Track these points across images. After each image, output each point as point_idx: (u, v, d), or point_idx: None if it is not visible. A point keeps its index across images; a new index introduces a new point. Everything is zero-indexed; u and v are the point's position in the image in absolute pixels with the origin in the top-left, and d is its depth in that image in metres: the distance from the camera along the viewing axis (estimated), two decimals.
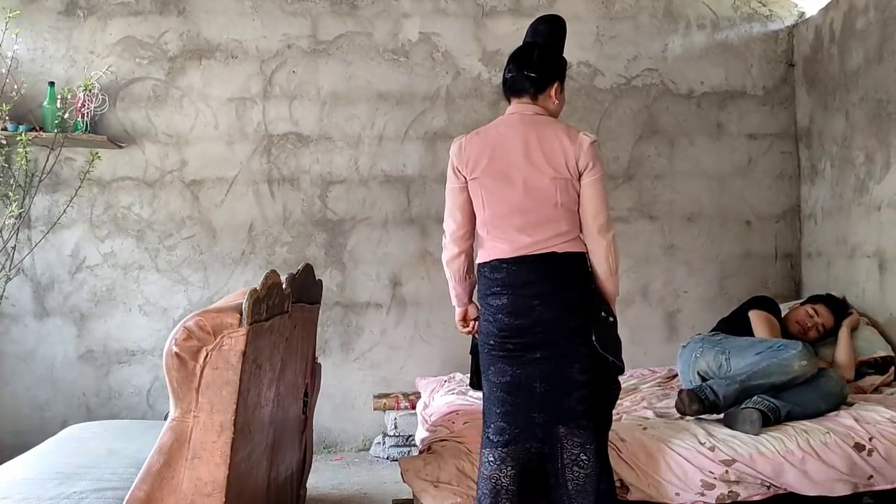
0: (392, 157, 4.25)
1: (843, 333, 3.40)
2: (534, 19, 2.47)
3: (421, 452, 2.91)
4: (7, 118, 3.77)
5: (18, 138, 3.72)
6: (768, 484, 2.56)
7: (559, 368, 2.24)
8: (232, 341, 1.90)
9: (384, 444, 4.02)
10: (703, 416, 2.80)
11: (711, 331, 3.37)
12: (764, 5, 4.44)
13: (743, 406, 2.74)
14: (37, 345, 4.04)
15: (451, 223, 2.38)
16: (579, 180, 2.27)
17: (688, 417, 2.81)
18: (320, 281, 3.03)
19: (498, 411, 2.28)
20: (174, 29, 4.15)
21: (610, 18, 4.37)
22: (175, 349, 1.88)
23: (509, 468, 2.24)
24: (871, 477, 2.61)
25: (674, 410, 2.91)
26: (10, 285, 3.89)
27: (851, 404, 2.92)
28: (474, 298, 2.46)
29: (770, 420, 2.70)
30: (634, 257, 4.33)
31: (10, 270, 3.87)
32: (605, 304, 2.32)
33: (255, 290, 2.00)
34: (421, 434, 3.12)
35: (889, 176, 3.61)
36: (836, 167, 4.07)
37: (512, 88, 2.36)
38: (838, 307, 3.53)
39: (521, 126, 2.31)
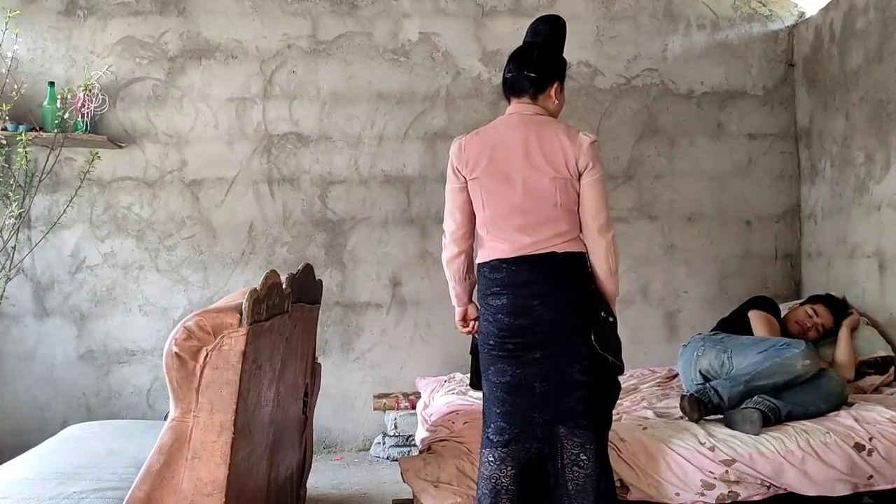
0: (392, 157, 4.25)
1: (843, 333, 3.40)
2: (534, 19, 2.47)
3: (421, 452, 2.91)
4: (7, 118, 3.77)
5: (18, 138, 3.72)
6: (768, 484, 2.56)
7: (559, 368, 2.24)
8: (232, 341, 1.90)
9: (384, 444, 4.02)
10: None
11: (712, 330, 3.37)
12: (764, 5, 4.44)
13: (743, 406, 2.75)
14: (37, 345, 4.04)
15: (451, 223, 2.38)
16: (579, 180, 2.27)
17: None
18: (320, 281, 3.03)
19: (498, 411, 2.28)
20: (174, 29, 4.15)
21: (610, 18, 4.38)
22: (175, 349, 1.88)
23: (509, 468, 2.24)
24: (871, 477, 2.61)
25: (673, 410, 2.91)
26: (10, 285, 3.89)
27: (851, 404, 2.92)
28: (474, 298, 2.46)
29: (770, 420, 2.70)
30: (634, 257, 4.33)
31: (10, 270, 3.87)
32: (605, 304, 2.32)
33: (255, 290, 2.00)
34: (421, 434, 3.12)
35: (889, 176, 3.61)
36: (836, 167, 4.07)
37: (512, 88, 2.36)
38: (838, 307, 3.53)
39: (521, 126, 2.31)
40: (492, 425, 2.29)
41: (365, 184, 4.24)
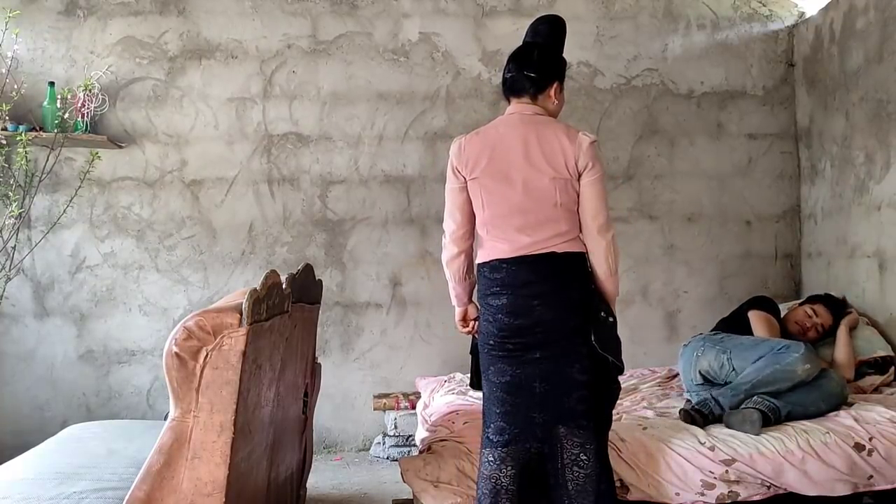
0: (392, 157, 4.25)
1: (842, 333, 3.40)
2: (534, 19, 2.47)
3: (421, 452, 2.91)
4: (7, 118, 3.77)
5: (18, 138, 3.72)
6: (768, 484, 2.56)
7: (559, 368, 2.24)
8: (232, 341, 1.90)
9: (384, 444, 4.02)
10: None
11: (712, 330, 3.37)
12: (764, 5, 4.44)
13: (743, 406, 2.75)
14: (37, 345, 4.04)
15: (451, 223, 2.38)
16: (579, 180, 2.27)
17: None
18: (320, 281, 3.03)
19: (498, 411, 2.28)
20: (174, 29, 4.15)
21: (610, 18, 4.37)
22: (175, 349, 1.88)
23: (509, 468, 2.25)
24: (871, 477, 2.61)
25: (673, 410, 2.91)
26: (10, 285, 3.89)
27: (851, 404, 2.92)
28: (474, 298, 2.46)
29: (770, 420, 2.70)
30: (634, 257, 4.33)
31: (10, 270, 3.87)
32: (605, 304, 2.32)
33: (255, 290, 2.00)
34: (421, 434, 3.12)
35: (889, 176, 3.61)
36: (836, 167, 4.07)
37: (512, 88, 2.36)
38: (837, 307, 3.53)
39: (521, 126, 2.31)
40: (492, 425, 2.29)
41: (365, 184, 4.24)
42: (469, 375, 2.51)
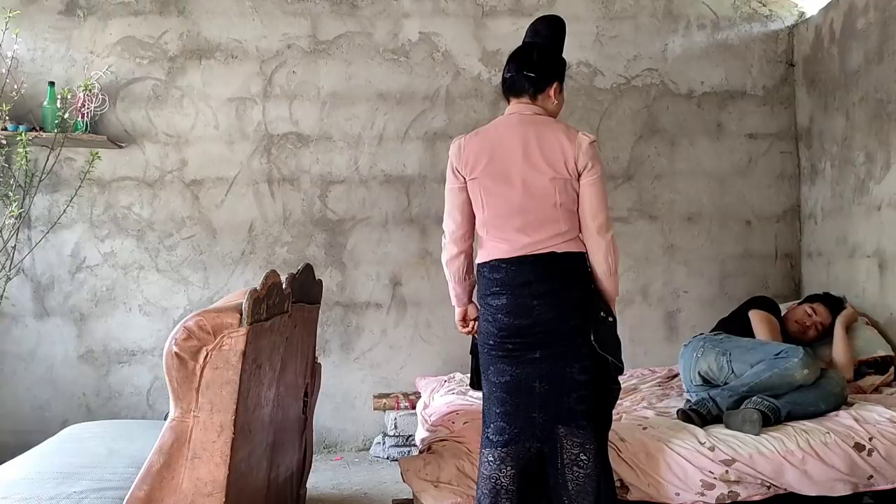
0: (392, 157, 4.25)
1: (838, 332, 3.39)
2: (534, 19, 2.47)
3: (421, 452, 2.92)
4: (7, 118, 3.77)
5: (18, 138, 3.72)
6: (768, 484, 2.56)
7: (559, 368, 2.24)
8: (232, 341, 1.90)
9: (384, 444, 4.02)
10: None
11: (712, 330, 3.37)
12: (764, 5, 4.44)
13: (743, 406, 2.75)
14: (37, 345, 4.04)
15: (451, 223, 2.38)
16: (578, 180, 2.27)
17: None
18: (320, 281, 3.03)
19: (498, 411, 2.28)
20: (174, 29, 4.15)
21: (610, 18, 4.37)
22: (175, 349, 1.88)
23: (509, 468, 2.25)
24: (871, 477, 2.61)
25: (674, 410, 2.91)
26: (10, 285, 3.89)
27: (851, 404, 2.92)
28: (474, 298, 2.46)
29: (770, 420, 2.70)
30: (634, 257, 4.33)
31: (10, 270, 3.87)
32: (605, 304, 2.32)
33: (255, 290, 2.00)
34: (421, 434, 3.12)
35: (889, 176, 3.61)
36: (836, 167, 4.07)
37: (511, 88, 2.36)
38: (837, 306, 3.53)
39: (521, 126, 2.31)
40: (491, 425, 2.29)
41: (365, 184, 4.24)
42: (469, 375, 2.51)
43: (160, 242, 4.12)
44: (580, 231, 2.30)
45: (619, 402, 2.69)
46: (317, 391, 3.15)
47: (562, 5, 4.27)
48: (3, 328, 4.01)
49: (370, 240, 4.23)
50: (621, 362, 2.33)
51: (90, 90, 3.91)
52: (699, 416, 2.75)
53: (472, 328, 2.48)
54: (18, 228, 3.91)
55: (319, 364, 3.18)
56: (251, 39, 4.19)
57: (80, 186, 4.00)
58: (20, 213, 3.85)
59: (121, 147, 4.07)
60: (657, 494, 2.52)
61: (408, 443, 3.95)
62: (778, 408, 2.74)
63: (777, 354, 2.91)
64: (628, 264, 4.28)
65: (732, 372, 3.00)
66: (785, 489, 2.58)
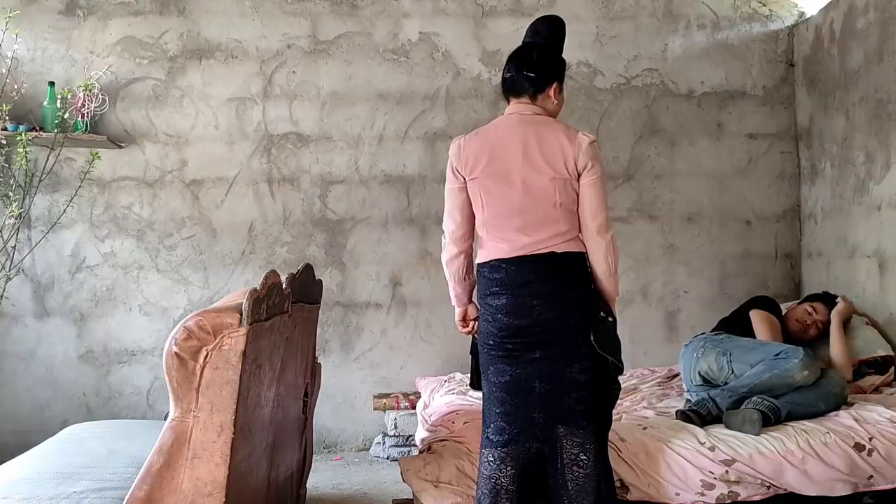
0: (392, 157, 4.25)
1: (834, 330, 3.38)
2: (534, 19, 2.47)
3: (421, 452, 2.92)
4: (7, 118, 3.77)
5: (18, 138, 3.72)
6: (768, 484, 2.56)
7: (559, 368, 2.24)
8: (232, 341, 1.90)
9: (384, 444, 4.02)
10: None
11: (713, 330, 3.37)
12: (764, 5, 4.44)
13: (743, 406, 2.75)
14: (37, 345, 4.04)
15: (451, 223, 2.38)
16: (578, 180, 2.27)
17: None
18: (320, 281, 3.03)
19: (497, 411, 2.28)
20: (174, 29, 4.15)
21: (610, 18, 4.37)
22: (175, 349, 1.88)
23: (509, 468, 2.25)
24: (871, 477, 2.61)
25: (673, 410, 2.91)
26: (10, 285, 3.89)
27: (851, 404, 2.92)
28: (474, 298, 2.45)
29: (770, 420, 2.70)
30: (634, 257, 4.33)
31: (10, 270, 3.87)
32: (605, 304, 2.32)
33: (255, 290, 2.00)
34: (421, 434, 3.12)
35: (889, 176, 3.61)
36: (836, 167, 4.07)
37: (511, 88, 2.36)
38: (835, 304, 3.53)
39: (520, 126, 2.31)
40: (491, 425, 2.29)
41: (365, 184, 4.24)
42: (469, 375, 2.51)
43: (160, 242, 4.13)
44: (580, 231, 2.30)
45: (619, 402, 2.69)
46: (317, 391, 3.15)
47: (562, 5, 4.27)
48: (3, 328, 4.01)
49: (370, 240, 4.23)
50: (621, 362, 2.33)
51: (90, 90, 3.91)
52: (699, 416, 2.75)
53: (472, 328, 2.48)
54: (18, 228, 3.91)
55: (319, 364, 3.18)
56: (251, 39, 4.19)
57: (80, 186, 4.00)
58: (20, 213, 3.85)
59: (121, 147, 4.07)
60: (657, 494, 2.52)
61: (408, 443, 3.95)
62: (778, 408, 2.74)
63: (777, 355, 2.91)
64: (628, 264, 4.28)
65: (732, 372, 3.00)
66: (785, 489, 2.58)
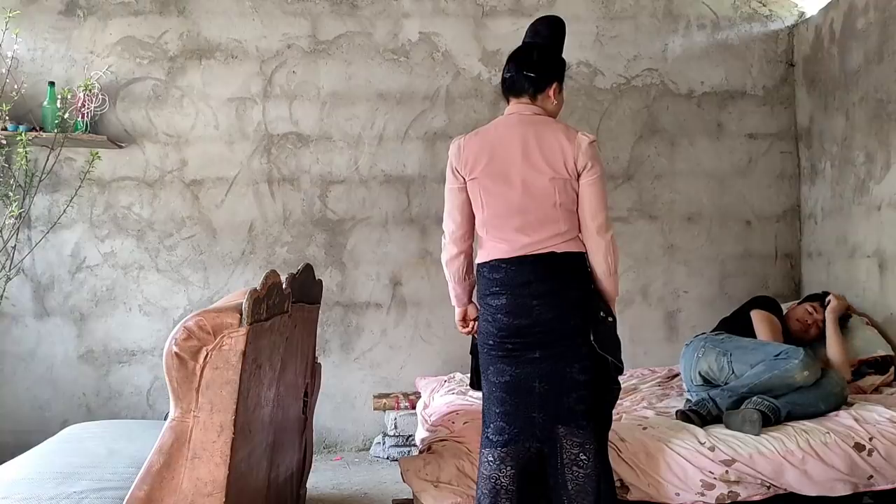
0: (392, 157, 4.25)
1: (830, 329, 3.37)
2: (534, 19, 2.47)
3: (421, 452, 2.92)
4: (7, 118, 3.77)
5: (18, 138, 3.72)
6: (768, 484, 2.56)
7: (558, 368, 2.24)
8: (232, 341, 1.90)
9: (384, 444, 4.02)
10: None
11: (713, 330, 3.37)
12: (764, 5, 4.44)
13: (743, 406, 2.75)
14: (37, 345, 4.04)
15: (450, 223, 2.38)
16: (578, 180, 2.27)
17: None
18: (320, 281, 3.03)
19: (497, 411, 2.28)
20: (174, 29, 4.15)
21: (610, 18, 4.37)
22: (175, 349, 1.88)
23: (509, 468, 2.25)
24: (871, 477, 2.61)
25: (674, 410, 2.91)
26: (10, 285, 3.89)
27: (851, 404, 2.92)
28: (474, 298, 2.45)
29: (770, 420, 2.70)
30: (634, 257, 4.33)
31: (10, 270, 3.87)
32: (605, 304, 2.32)
33: (255, 290, 2.00)
34: (421, 434, 3.12)
35: (889, 176, 3.61)
36: (836, 167, 4.07)
37: (511, 88, 2.36)
38: (827, 303, 3.53)
39: (520, 126, 2.31)
40: (491, 425, 2.29)
41: (365, 184, 4.24)
42: (469, 375, 2.51)
43: (160, 242, 4.13)
44: (580, 231, 2.30)
45: (619, 402, 2.69)
46: (317, 391, 3.15)
47: (562, 5, 4.27)
48: (3, 328, 4.01)
49: (370, 240, 4.23)
50: (621, 362, 2.33)
51: (90, 90, 3.91)
52: (699, 416, 2.75)
53: (472, 328, 2.48)
54: (18, 228, 3.91)
55: (319, 364, 3.18)
56: (251, 39, 4.19)
57: (80, 186, 4.00)
58: (20, 213, 3.85)
59: (121, 147, 4.07)
60: (657, 494, 2.52)
61: (408, 443, 3.95)
62: (778, 408, 2.74)
63: (777, 356, 2.91)
64: (628, 264, 4.28)
65: (733, 372, 3.00)
66: (785, 489, 2.58)
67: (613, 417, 2.41)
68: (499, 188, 2.28)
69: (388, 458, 3.96)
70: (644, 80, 4.39)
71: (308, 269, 2.77)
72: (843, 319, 3.52)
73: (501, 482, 2.24)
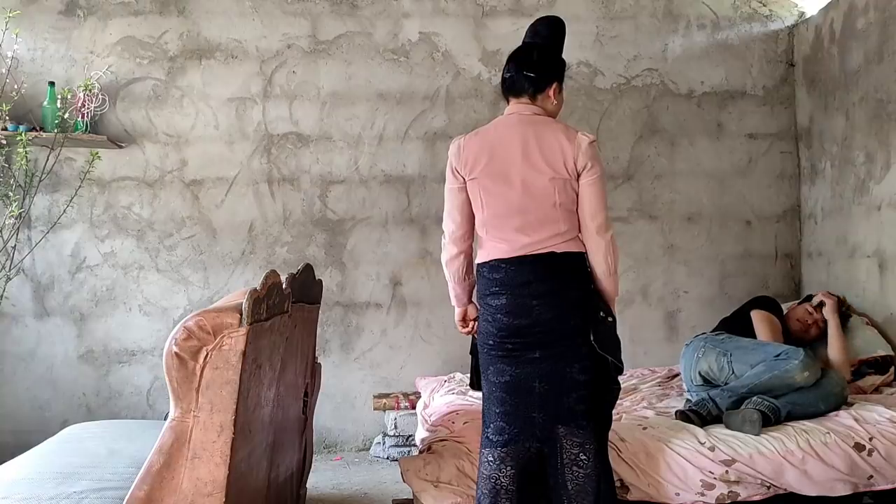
0: (392, 157, 4.25)
1: (833, 330, 3.37)
2: (534, 20, 2.47)
3: (421, 452, 2.92)
4: (7, 118, 3.77)
5: (18, 138, 3.72)
6: (768, 484, 2.56)
7: (558, 368, 2.24)
8: (232, 341, 1.90)
9: (384, 444, 4.02)
10: None
11: (714, 330, 3.37)
12: (764, 5, 4.44)
13: (743, 406, 2.75)
14: (37, 345, 4.04)
15: (450, 223, 2.38)
16: (578, 180, 2.27)
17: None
18: (320, 281, 3.03)
19: (497, 411, 2.28)
20: (174, 29, 4.15)
21: (610, 18, 4.37)
22: (175, 349, 1.88)
23: (509, 468, 2.25)
24: (871, 477, 2.61)
25: (673, 410, 2.91)
26: (10, 285, 3.89)
27: (851, 404, 2.92)
28: (474, 298, 2.45)
29: (770, 420, 2.70)
30: (634, 257, 4.33)
31: (10, 270, 3.87)
32: (605, 304, 2.32)
33: (255, 289, 2.00)
34: (421, 434, 3.12)
35: (889, 176, 3.61)
36: (836, 167, 4.07)
37: (511, 88, 2.36)
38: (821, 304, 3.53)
39: (520, 126, 2.31)
40: (491, 425, 2.29)
41: (365, 184, 4.24)
42: (469, 375, 2.51)
43: (160, 242, 4.13)
44: (580, 231, 2.30)
45: (619, 402, 2.69)
46: (317, 391, 3.15)
47: (562, 5, 4.27)
48: (3, 328, 4.01)
49: (370, 240, 4.23)
50: (621, 362, 2.33)
51: (90, 90, 3.91)
52: (698, 416, 2.75)
53: (472, 328, 2.48)
54: (18, 228, 3.91)
55: (319, 364, 3.18)
56: (251, 39, 4.19)
57: (80, 186, 4.00)
58: (20, 213, 3.85)
59: (121, 147, 4.07)
60: (657, 494, 2.52)
61: (408, 443, 3.95)
62: (778, 408, 2.74)
63: (777, 356, 2.91)
64: (628, 264, 4.28)
65: (733, 372, 3.00)
66: (785, 489, 2.58)
67: (613, 417, 2.41)
68: (499, 188, 2.28)
69: (388, 458, 3.96)
70: (644, 80, 4.39)
71: (308, 269, 2.77)
72: (843, 319, 3.52)
73: (501, 482, 2.24)
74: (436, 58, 4.28)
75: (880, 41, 3.65)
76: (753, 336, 3.26)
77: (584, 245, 2.30)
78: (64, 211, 3.99)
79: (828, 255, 4.16)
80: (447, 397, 3.27)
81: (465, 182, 2.34)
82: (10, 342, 4.02)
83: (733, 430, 2.67)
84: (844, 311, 3.56)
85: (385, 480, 3.60)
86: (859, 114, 3.83)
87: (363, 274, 4.23)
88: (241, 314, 1.93)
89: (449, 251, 2.40)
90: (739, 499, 2.55)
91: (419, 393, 3.68)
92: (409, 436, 3.93)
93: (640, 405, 3.14)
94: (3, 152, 3.84)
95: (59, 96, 3.85)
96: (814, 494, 2.58)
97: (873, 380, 3.37)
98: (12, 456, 2.60)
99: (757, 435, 2.62)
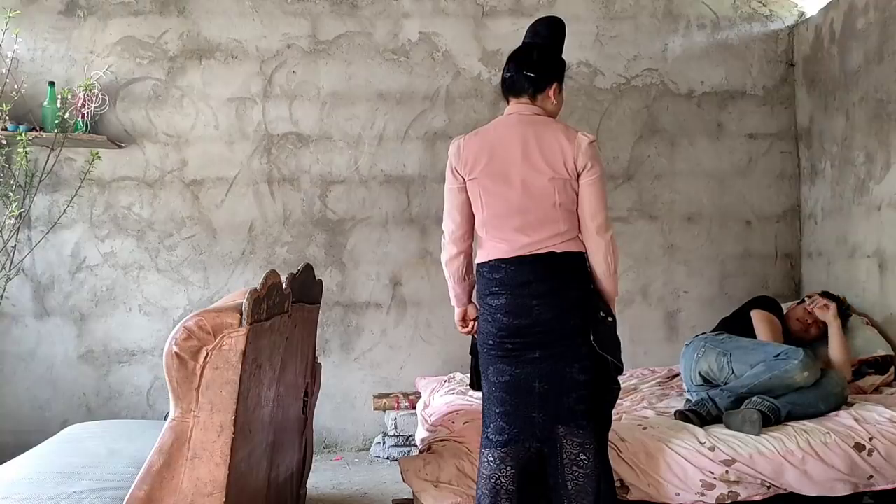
0: (392, 157, 4.25)
1: (834, 331, 3.36)
2: (534, 20, 2.47)
3: (421, 452, 2.92)
4: (7, 118, 3.77)
5: (18, 138, 3.72)
6: (768, 484, 2.56)
7: (558, 368, 2.24)
8: (232, 341, 1.90)
9: (384, 444, 4.02)
10: None
11: (714, 330, 3.37)
12: (764, 5, 4.44)
13: (743, 406, 2.75)
14: (37, 345, 4.04)
15: (450, 223, 2.38)
16: (577, 180, 2.27)
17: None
18: (320, 281, 3.03)
19: (497, 411, 2.28)
20: (174, 29, 4.15)
21: (610, 18, 4.37)
22: (175, 349, 1.88)
23: (509, 468, 2.25)
24: (871, 477, 2.61)
25: (673, 410, 2.91)
26: (10, 285, 3.89)
27: (851, 404, 2.92)
28: (474, 298, 2.45)
29: (770, 420, 2.70)
30: (634, 257, 4.33)
31: (10, 270, 3.87)
32: (605, 304, 2.32)
33: (255, 289, 2.00)
34: (421, 434, 3.12)
35: (889, 176, 3.61)
36: (836, 167, 4.07)
37: (511, 88, 2.36)
38: (836, 304, 3.53)
39: (520, 126, 2.31)
40: (491, 425, 2.29)
41: (365, 184, 4.24)
42: (469, 375, 2.51)
43: (160, 242, 4.13)
44: (579, 231, 2.30)
45: (619, 402, 2.69)
46: (317, 391, 3.15)
47: (562, 5, 4.27)
48: (3, 328, 4.01)
49: (370, 240, 4.23)
50: (621, 362, 2.33)
51: (90, 90, 3.91)
52: (698, 416, 2.75)
53: (472, 328, 2.48)
54: (18, 228, 3.91)
55: (319, 364, 3.18)
56: (251, 39, 4.19)
57: (80, 186, 4.00)
58: (20, 213, 3.85)
59: (121, 147, 4.07)
60: (657, 494, 2.52)
61: (408, 443, 3.95)
62: (778, 408, 2.74)
63: (777, 356, 2.91)
64: (628, 264, 4.28)
65: (733, 372, 3.00)
66: (785, 489, 2.58)
67: (613, 417, 2.41)
68: (498, 188, 2.28)
69: (388, 458, 3.96)
70: (644, 80, 4.39)
71: (308, 269, 2.77)
72: (844, 319, 3.52)
73: (501, 482, 2.24)
74: (436, 58, 4.28)
75: (880, 41, 3.65)
76: (753, 336, 3.26)
77: (584, 245, 2.30)
78: (64, 211, 3.99)
79: (828, 255, 4.16)
80: (447, 397, 3.27)
81: (464, 182, 2.34)
82: (10, 342, 4.02)
83: (733, 430, 2.67)
84: (845, 310, 3.55)
85: (385, 480, 3.60)
86: (859, 114, 3.83)
87: (363, 274, 4.23)
88: (241, 314, 1.93)
89: (449, 251, 2.40)
90: (739, 499, 2.55)
91: (419, 393, 3.68)
92: (409, 436, 3.93)
93: (640, 405, 3.14)
94: (3, 152, 3.84)
95: (59, 96, 3.85)
96: (814, 494, 2.58)
97: (873, 380, 3.37)
98: (12, 456, 2.61)
99: (757, 435, 2.62)
